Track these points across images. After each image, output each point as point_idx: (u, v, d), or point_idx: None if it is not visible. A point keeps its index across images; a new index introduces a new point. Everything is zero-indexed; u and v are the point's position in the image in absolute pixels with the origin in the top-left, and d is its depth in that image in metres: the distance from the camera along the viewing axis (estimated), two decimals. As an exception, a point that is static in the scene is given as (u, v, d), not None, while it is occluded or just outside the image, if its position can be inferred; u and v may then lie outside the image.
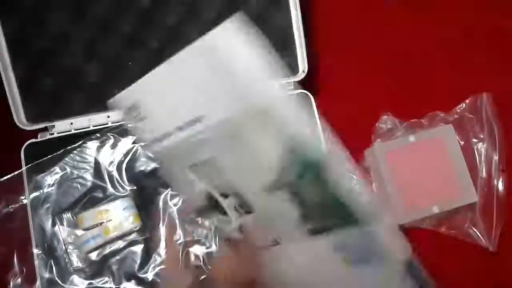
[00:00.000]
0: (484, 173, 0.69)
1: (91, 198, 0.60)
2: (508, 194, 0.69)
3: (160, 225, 0.58)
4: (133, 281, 0.56)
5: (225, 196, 0.37)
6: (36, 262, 0.57)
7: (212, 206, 0.38)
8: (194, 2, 0.63)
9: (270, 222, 0.36)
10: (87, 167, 0.60)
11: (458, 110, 0.71)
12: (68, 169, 0.59)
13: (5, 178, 0.59)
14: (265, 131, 0.32)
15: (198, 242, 0.57)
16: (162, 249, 0.57)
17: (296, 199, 0.34)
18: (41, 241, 0.58)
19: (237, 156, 0.34)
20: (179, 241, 0.57)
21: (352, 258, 0.35)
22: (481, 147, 0.70)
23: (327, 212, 0.34)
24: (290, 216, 0.34)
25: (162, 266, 0.56)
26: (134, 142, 0.60)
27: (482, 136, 0.70)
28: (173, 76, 0.36)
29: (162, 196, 0.59)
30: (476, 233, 0.67)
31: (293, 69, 0.66)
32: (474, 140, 0.70)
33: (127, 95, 0.39)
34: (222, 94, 0.32)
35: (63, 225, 0.58)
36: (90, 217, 0.57)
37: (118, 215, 0.56)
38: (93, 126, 0.63)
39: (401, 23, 0.76)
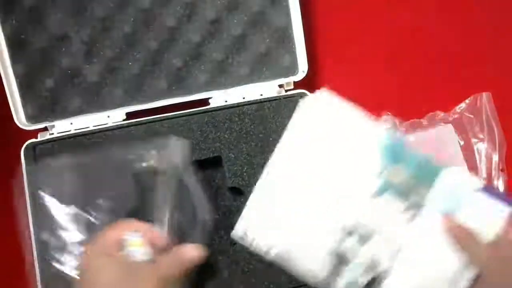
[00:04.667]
0: (484, 173, 0.69)
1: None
2: (508, 194, 0.69)
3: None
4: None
5: (349, 234, 0.46)
6: (36, 264, 0.57)
7: (340, 263, 0.46)
8: (194, 2, 0.63)
9: (384, 229, 0.45)
10: None
11: (458, 110, 0.71)
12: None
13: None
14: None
15: None
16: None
17: (397, 192, 0.44)
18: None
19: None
20: None
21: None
22: (481, 147, 0.70)
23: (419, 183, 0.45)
24: (398, 215, 0.45)
25: None
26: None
27: (482, 136, 0.70)
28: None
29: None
30: (476, 233, 0.67)
31: (293, 69, 0.66)
32: (474, 140, 0.70)
33: (238, 228, 0.49)
34: None
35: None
36: None
37: None
38: (93, 126, 0.63)
39: (401, 23, 0.76)
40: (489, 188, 0.45)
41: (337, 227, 0.46)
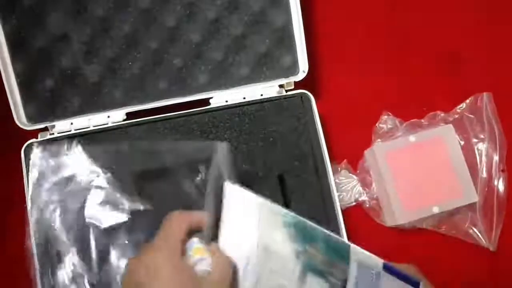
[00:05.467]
0: (484, 173, 0.69)
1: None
2: (508, 194, 0.69)
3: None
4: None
5: None
6: (36, 263, 0.57)
7: None
8: (194, 2, 0.63)
9: None
10: None
11: (459, 110, 0.71)
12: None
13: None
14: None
15: None
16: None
17: (318, 272, 0.44)
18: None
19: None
20: None
21: None
22: (481, 147, 0.70)
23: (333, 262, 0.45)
24: None
25: None
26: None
27: (482, 136, 0.70)
28: None
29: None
30: (476, 233, 0.67)
31: (294, 69, 0.66)
32: (475, 140, 0.70)
33: None
34: None
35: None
36: None
37: None
38: (93, 126, 0.63)
39: (401, 23, 0.76)
40: (389, 267, 0.45)
41: None
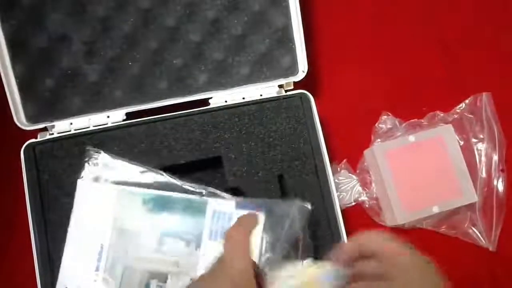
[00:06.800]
0: (484, 173, 0.69)
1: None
2: (508, 194, 0.69)
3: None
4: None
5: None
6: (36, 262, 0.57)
7: None
8: (194, 2, 0.63)
9: (176, 269, 0.53)
10: None
11: (458, 110, 0.72)
12: None
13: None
14: None
15: None
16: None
17: (175, 234, 0.53)
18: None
19: None
20: None
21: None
22: (480, 147, 0.70)
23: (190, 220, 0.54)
24: (183, 250, 0.53)
25: None
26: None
27: (482, 136, 0.70)
28: None
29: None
30: (475, 233, 0.67)
31: (293, 69, 0.66)
32: (474, 140, 0.70)
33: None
34: None
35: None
36: None
37: None
38: (93, 126, 0.63)
39: (401, 23, 0.76)
40: (242, 202, 0.52)
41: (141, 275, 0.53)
